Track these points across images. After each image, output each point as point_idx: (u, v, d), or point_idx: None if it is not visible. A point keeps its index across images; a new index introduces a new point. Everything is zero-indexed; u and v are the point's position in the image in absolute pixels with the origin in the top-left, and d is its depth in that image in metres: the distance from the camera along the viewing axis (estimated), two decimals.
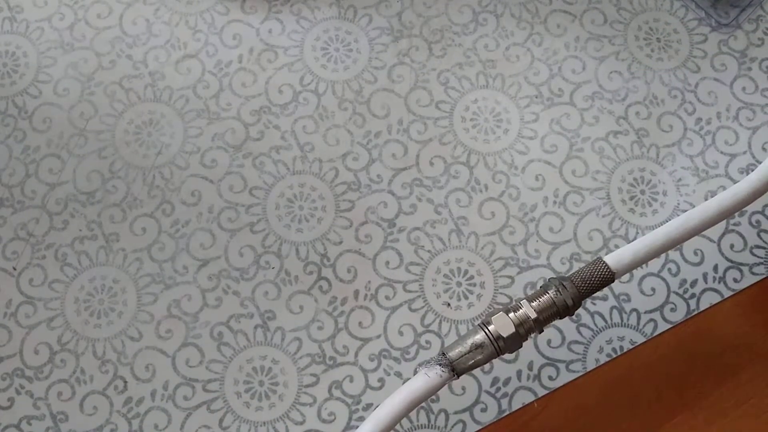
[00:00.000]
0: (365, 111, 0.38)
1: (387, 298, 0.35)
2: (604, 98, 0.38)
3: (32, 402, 0.33)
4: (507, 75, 0.39)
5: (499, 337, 0.29)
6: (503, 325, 0.29)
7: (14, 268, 0.35)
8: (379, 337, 0.34)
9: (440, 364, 0.29)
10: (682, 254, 0.35)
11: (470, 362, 0.29)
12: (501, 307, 0.31)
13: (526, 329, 0.29)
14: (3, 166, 0.37)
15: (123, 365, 0.34)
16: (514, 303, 0.30)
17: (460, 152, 0.37)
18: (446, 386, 0.33)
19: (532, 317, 0.29)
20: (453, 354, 0.29)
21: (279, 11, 0.40)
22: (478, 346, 0.29)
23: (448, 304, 0.35)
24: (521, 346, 0.29)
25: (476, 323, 0.30)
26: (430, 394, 0.29)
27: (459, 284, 0.35)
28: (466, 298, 0.35)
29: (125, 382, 0.34)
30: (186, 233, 0.36)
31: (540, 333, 0.30)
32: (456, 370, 0.29)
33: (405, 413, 0.29)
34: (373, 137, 0.37)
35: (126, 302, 0.35)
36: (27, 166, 0.37)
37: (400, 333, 0.34)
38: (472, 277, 0.35)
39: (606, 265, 0.30)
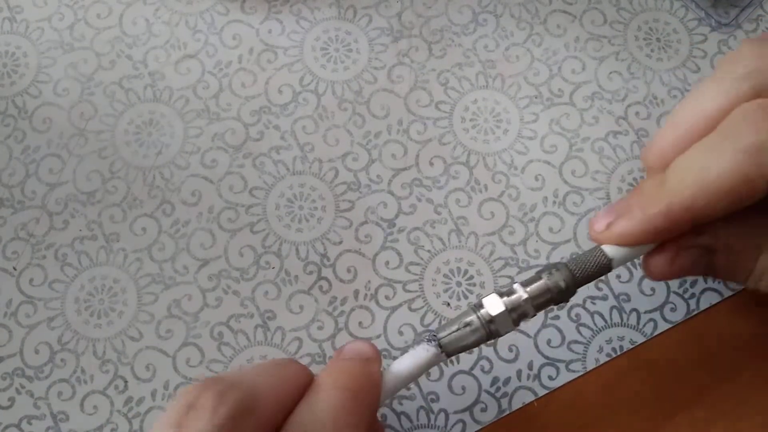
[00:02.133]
0: (365, 111, 0.38)
1: (387, 298, 0.35)
2: (603, 98, 0.38)
3: (32, 402, 0.33)
4: (507, 75, 0.39)
5: (491, 320, 0.28)
6: (495, 308, 0.28)
7: (14, 268, 0.35)
8: (379, 336, 0.34)
9: (428, 341, 0.28)
10: None
11: (460, 343, 0.28)
12: (494, 289, 0.30)
13: (518, 314, 0.28)
14: (3, 166, 0.37)
15: (123, 365, 0.34)
16: (508, 287, 0.29)
17: (460, 152, 0.37)
18: (446, 386, 0.33)
19: (525, 301, 0.28)
20: (443, 334, 0.28)
21: (279, 11, 0.40)
22: (467, 326, 0.28)
23: (448, 304, 0.35)
24: (512, 330, 0.29)
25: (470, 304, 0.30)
26: (419, 372, 0.29)
27: (459, 284, 0.35)
28: (466, 297, 0.35)
29: (126, 381, 0.34)
30: (186, 233, 0.36)
31: (532, 317, 0.29)
32: (445, 349, 0.28)
33: (391, 393, 0.28)
34: (373, 137, 0.37)
35: (126, 302, 0.35)
36: (27, 166, 0.37)
37: (400, 333, 0.34)
38: (471, 277, 0.35)
39: (603, 252, 0.29)
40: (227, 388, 0.24)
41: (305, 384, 0.27)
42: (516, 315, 0.28)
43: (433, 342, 0.28)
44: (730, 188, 0.26)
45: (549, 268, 0.29)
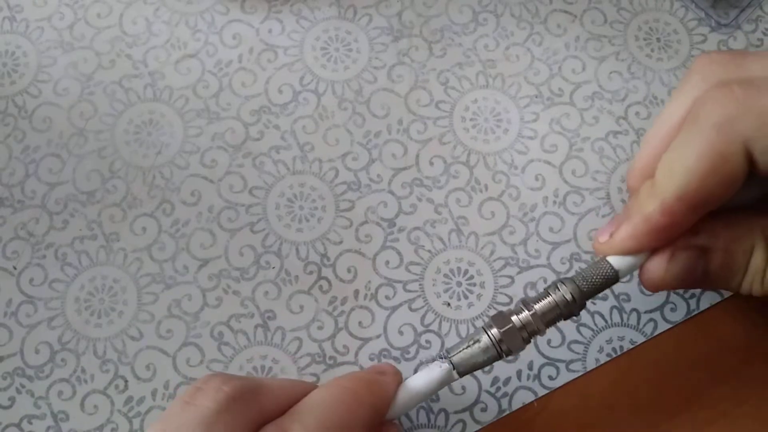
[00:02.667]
0: (365, 111, 0.38)
1: (387, 297, 0.35)
2: (604, 98, 0.38)
3: (33, 401, 0.33)
4: (507, 75, 0.39)
5: (501, 340, 0.29)
6: (506, 328, 0.29)
7: (14, 268, 0.35)
8: (379, 336, 0.34)
9: (440, 358, 0.29)
10: None
11: (472, 361, 0.29)
12: (504, 309, 0.31)
13: (529, 332, 0.29)
14: (3, 165, 0.37)
15: (123, 364, 0.34)
16: (517, 305, 0.29)
17: (460, 152, 0.37)
18: (446, 386, 0.33)
19: (534, 317, 0.29)
20: (454, 354, 0.29)
21: (279, 11, 0.40)
22: (476, 342, 0.29)
23: (448, 304, 0.35)
24: (524, 349, 0.29)
25: (479, 325, 0.30)
26: (431, 392, 0.29)
27: (459, 284, 0.35)
28: (466, 297, 0.35)
29: (126, 381, 0.34)
30: (186, 233, 0.36)
31: (543, 335, 0.30)
32: (457, 369, 0.29)
33: (403, 411, 0.29)
34: (373, 137, 0.37)
35: (126, 302, 0.35)
36: (27, 165, 0.37)
37: (400, 333, 0.34)
38: (472, 277, 0.35)
39: (608, 263, 0.29)
40: (233, 377, 0.27)
41: (312, 390, 0.28)
42: (526, 333, 0.29)
43: (445, 360, 0.29)
44: (711, 168, 0.26)
45: (556, 283, 0.29)
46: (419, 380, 0.29)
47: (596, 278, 0.29)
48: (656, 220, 0.28)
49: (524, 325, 0.29)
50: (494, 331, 0.29)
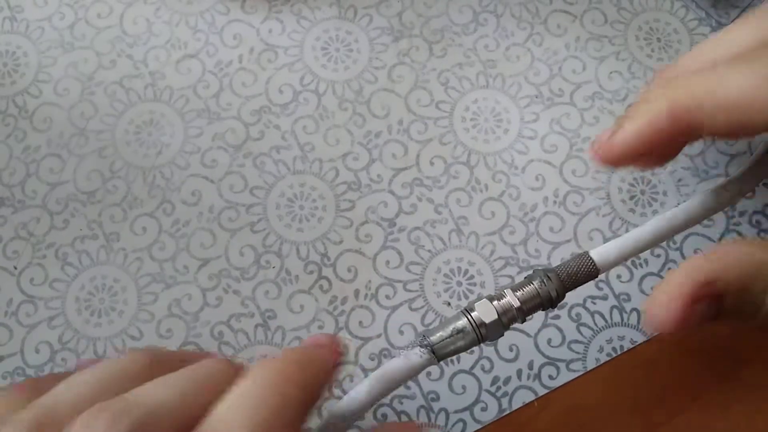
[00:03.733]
0: (365, 111, 0.38)
1: (387, 297, 0.35)
2: (604, 98, 0.38)
3: None
4: (507, 75, 0.39)
5: (481, 324, 0.28)
6: (486, 313, 0.28)
7: (15, 267, 0.35)
8: (379, 336, 0.34)
9: (420, 346, 0.28)
10: (682, 253, 0.35)
11: (451, 347, 0.28)
12: (486, 295, 0.30)
13: (508, 318, 0.28)
14: (3, 165, 0.37)
15: None
16: (498, 291, 0.29)
17: (461, 152, 0.37)
18: (446, 386, 0.33)
19: (516, 306, 0.28)
20: (434, 338, 0.28)
21: (279, 11, 0.40)
22: (459, 332, 0.28)
23: (449, 304, 0.35)
24: (503, 335, 0.29)
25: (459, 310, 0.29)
26: (410, 376, 0.28)
27: (459, 284, 0.35)
28: (467, 297, 0.35)
29: None
30: (186, 233, 0.36)
31: (522, 323, 0.29)
32: (436, 354, 0.28)
33: (381, 395, 0.28)
34: (374, 137, 0.38)
35: (126, 301, 0.35)
36: (27, 165, 0.37)
37: (401, 332, 0.34)
38: (472, 277, 0.35)
39: (591, 260, 0.29)
40: (121, 412, 0.22)
41: (226, 383, 0.24)
42: (506, 319, 0.28)
43: (425, 347, 0.28)
44: (738, 104, 0.24)
45: (539, 274, 0.29)
46: (397, 366, 0.28)
47: (578, 273, 0.29)
48: (661, 121, 0.25)
49: (505, 311, 0.28)
50: (475, 314, 0.28)
